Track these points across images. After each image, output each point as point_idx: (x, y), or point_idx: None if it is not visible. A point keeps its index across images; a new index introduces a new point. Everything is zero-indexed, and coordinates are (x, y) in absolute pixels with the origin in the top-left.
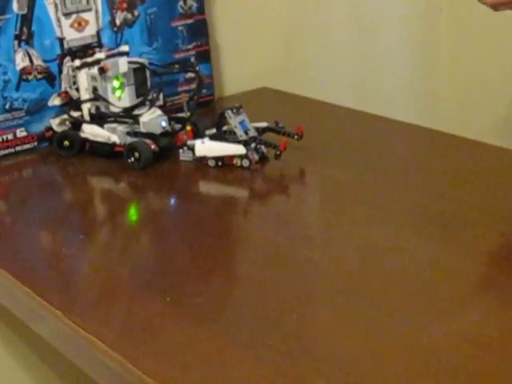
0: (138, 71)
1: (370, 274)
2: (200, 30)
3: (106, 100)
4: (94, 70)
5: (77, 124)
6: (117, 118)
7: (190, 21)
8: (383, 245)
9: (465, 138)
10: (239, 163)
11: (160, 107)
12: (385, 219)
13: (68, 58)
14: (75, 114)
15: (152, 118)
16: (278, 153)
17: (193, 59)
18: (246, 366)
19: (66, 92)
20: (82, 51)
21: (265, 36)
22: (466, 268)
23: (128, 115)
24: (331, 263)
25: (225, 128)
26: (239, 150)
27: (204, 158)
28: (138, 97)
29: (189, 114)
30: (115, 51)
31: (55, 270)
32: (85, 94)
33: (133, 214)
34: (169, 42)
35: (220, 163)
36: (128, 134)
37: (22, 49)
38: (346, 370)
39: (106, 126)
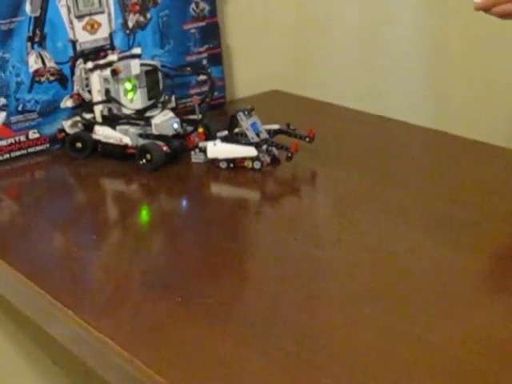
0: (151, 73)
1: (381, 275)
2: (212, 32)
3: (118, 102)
4: (107, 72)
5: (89, 126)
6: (129, 119)
7: (201, 24)
8: (394, 246)
9: (476, 140)
10: (251, 165)
11: (172, 109)
12: (395, 221)
13: (80, 60)
14: (87, 115)
15: (164, 120)
16: (289, 155)
17: (205, 62)
18: (256, 366)
19: (79, 94)
20: (95, 53)
21: (276, 39)
22: (476, 270)
23: (140, 117)
24: (342, 265)
25: (236, 130)
26: (251, 152)
27: (216, 160)
28: (150, 99)
29: (200, 116)
30: (128, 53)
31: (67, 270)
32: (97, 96)
33: (144, 215)
34: (181, 45)
35: (231, 165)
36: (140, 135)
37: (35, 51)
38: (356, 371)
39: (118, 127)
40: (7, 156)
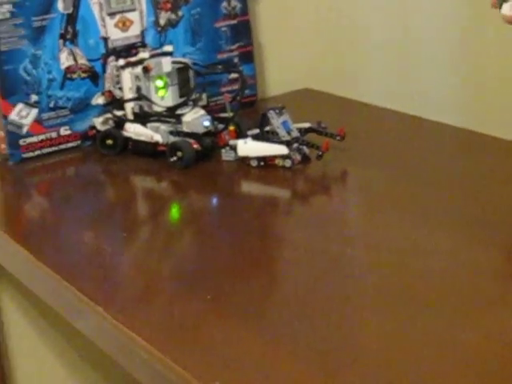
0: (182, 71)
1: (410, 275)
2: (243, 30)
3: (149, 99)
4: (138, 70)
5: (120, 123)
6: (160, 117)
7: (233, 21)
8: (423, 246)
9: (505, 139)
10: (281, 163)
11: (203, 107)
12: (425, 221)
13: (112, 58)
14: (118, 113)
15: (195, 118)
16: (320, 153)
17: (236, 60)
18: (286, 364)
19: (110, 91)
20: (126, 51)
21: (307, 37)
22: (503, 270)
23: (171, 115)
24: (371, 263)
25: (267, 128)
26: (281, 150)
27: (246, 158)
28: (181, 96)
29: (231, 114)
30: (159, 51)
31: (97, 266)
32: (128, 94)
33: (174, 212)
34: (212, 43)
35: (262, 163)
36: (171, 133)
37: (67, 48)
38: (385, 370)
39: (148, 125)
40: (38, 152)
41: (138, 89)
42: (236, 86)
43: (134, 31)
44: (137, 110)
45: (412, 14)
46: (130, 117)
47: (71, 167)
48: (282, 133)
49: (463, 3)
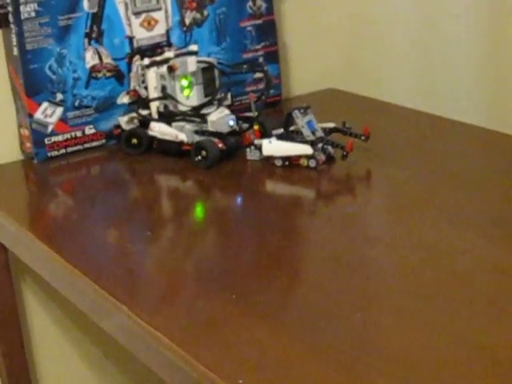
0: (207, 71)
1: (434, 275)
2: (268, 30)
3: (174, 99)
4: (163, 69)
5: (145, 122)
6: (185, 116)
7: (258, 21)
8: (447, 247)
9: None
10: (306, 163)
11: (227, 107)
12: (449, 221)
13: (137, 57)
14: (144, 112)
15: (220, 117)
16: (344, 153)
17: (261, 59)
18: (309, 363)
19: (135, 90)
20: (151, 50)
21: (332, 37)
22: None
23: (196, 114)
24: (395, 264)
25: (292, 128)
26: (306, 150)
27: (271, 158)
28: (206, 96)
29: (256, 113)
30: (184, 50)
31: (122, 265)
32: (153, 93)
33: (199, 211)
34: (237, 42)
35: (287, 163)
36: (196, 132)
37: (92, 47)
38: (407, 370)
39: (173, 124)
40: (63, 151)
41: (163, 88)
42: (261, 86)
43: (160, 30)
44: (162, 109)
45: (435, 10)
46: (155, 116)
47: (96, 166)
48: (307, 132)
49: (489, 2)
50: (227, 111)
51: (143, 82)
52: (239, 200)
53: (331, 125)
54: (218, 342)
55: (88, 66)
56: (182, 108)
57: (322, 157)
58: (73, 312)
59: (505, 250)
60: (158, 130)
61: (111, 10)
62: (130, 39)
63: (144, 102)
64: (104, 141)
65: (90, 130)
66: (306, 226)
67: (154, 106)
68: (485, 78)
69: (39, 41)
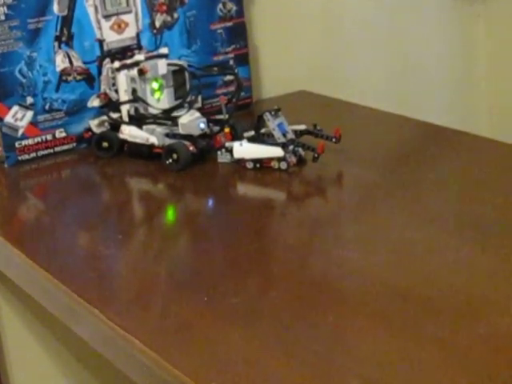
0: (177, 73)
1: (407, 276)
2: (239, 32)
3: (144, 101)
4: (134, 72)
5: (116, 125)
6: (155, 119)
7: (229, 24)
8: (420, 247)
9: (502, 142)
10: (277, 165)
11: (198, 109)
12: (422, 222)
13: (108, 60)
14: (114, 115)
15: (191, 120)
16: (315, 155)
17: (231, 62)
18: (281, 366)
19: (106, 93)
20: (122, 53)
21: (303, 39)
22: (503, 271)
23: (167, 117)
24: (367, 265)
25: (263, 130)
26: (277, 152)
27: (242, 160)
28: (176, 99)
29: (227, 116)
30: (155, 53)
31: (93, 269)
32: (124, 96)
33: (170, 215)
34: (208, 45)
35: (258, 165)
36: (166, 135)
37: (62, 50)
38: (380, 372)
39: (144, 127)
40: (34, 155)
41: (134, 91)
42: (231, 88)
43: (130, 33)
44: (132, 112)
45: (407, 17)
46: (126, 119)
47: (67, 169)
48: (278, 135)
49: (456, 10)
50: (198, 114)
51: (114, 84)
52: (211, 203)
53: (302, 127)
54: (191, 345)
55: (58, 69)
56: (152, 111)
57: (293, 159)
58: (45, 316)
59: (478, 250)
60: (129, 133)
61: (81, 13)
62: (100, 42)
63: (115, 105)
64: (75, 144)
65: (60, 134)
66: (278, 228)
67: (124, 109)
68: (455, 78)
69: (9, 44)
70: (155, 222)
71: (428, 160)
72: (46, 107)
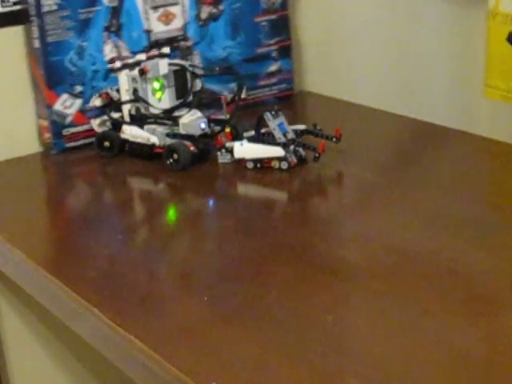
0: (179, 73)
1: (406, 276)
2: (282, 25)
3: (146, 101)
4: (135, 72)
5: (117, 125)
6: (157, 119)
7: (273, 16)
8: (419, 247)
9: (502, 141)
10: (278, 165)
11: (243, 100)
12: (421, 222)
13: (154, 50)
14: (115, 114)
15: (192, 120)
16: (316, 155)
17: (274, 54)
18: (282, 366)
19: (107, 93)
20: (168, 44)
21: (302, 39)
22: (502, 271)
23: (168, 117)
24: (368, 265)
25: (263, 130)
26: (278, 152)
27: (242, 160)
28: (178, 99)
29: (228, 116)
30: (156, 53)
31: (94, 268)
32: (125, 96)
33: (171, 214)
34: (252, 37)
35: (258, 165)
36: (167, 135)
37: (111, 40)
38: (381, 371)
39: (145, 127)
40: (81, 142)
41: (135, 91)
42: (274, 79)
43: (176, 24)
44: (134, 112)
45: (409, 15)
46: (127, 119)
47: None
48: (278, 135)
49: (458, 10)
50: (199, 114)
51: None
52: (211, 203)
53: (302, 127)
54: (191, 345)
55: (107, 58)
56: (153, 111)
57: (294, 159)
58: (45, 315)
59: (477, 250)
60: (130, 132)
61: (130, 4)
62: (148, 33)
63: (116, 105)
64: None
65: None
66: (278, 228)
67: (125, 108)
68: (455, 78)
69: (60, 33)
70: (156, 222)
71: (428, 160)
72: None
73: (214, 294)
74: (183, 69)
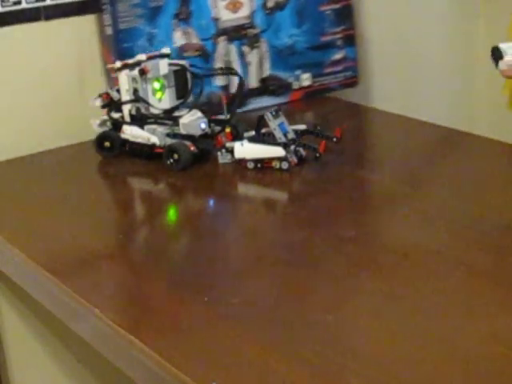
0: (179, 73)
1: (407, 275)
2: (346, 14)
3: (146, 101)
4: (135, 72)
5: (117, 125)
6: (157, 119)
7: (337, 5)
8: (420, 247)
9: (502, 141)
10: (278, 166)
11: (308, 87)
12: (422, 222)
13: (222, 37)
14: (116, 115)
15: (192, 120)
16: (317, 155)
17: (339, 42)
18: (283, 365)
19: (107, 93)
20: (235, 31)
21: None
22: (503, 272)
23: (168, 117)
24: (368, 264)
25: (263, 130)
26: (278, 152)
27: (243, 160)
28: (178, 99)
29: (228, 116)
30: (156, 53)
31: (93, 268)
32: (125, 96)
33: (171, 214)
34: (317, 26)
35: (259, 165)
36: (168, 135)
37: (181, 27)
38: (381, 371)
39: (146, 127)
40: None
41: (135, 91)
42: (339, 68)
43: (244, 13)
44: (134, 112)
45: (409, 17)
46: (127, 119)
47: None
48: (279, 135)
49: (457, 9)
50: (199, 114)
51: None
52: (212, 203)
53: (303, 127)
54: (191, 344)
55: (176, 45)
56: (154, 111)
57: (295, 159)
58: (45, 316)
59: (479, 251)
60: (130, 132)
61: None
62: (216, 21)
63: (116, 105)
64: None
65: None
66: (279, 228)
67: (126, 108)
68: (456, 78)
69: (131, 21)
70: (156, 222)
71: (428, 160)
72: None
73: (214, 295)
74: (183, 69)
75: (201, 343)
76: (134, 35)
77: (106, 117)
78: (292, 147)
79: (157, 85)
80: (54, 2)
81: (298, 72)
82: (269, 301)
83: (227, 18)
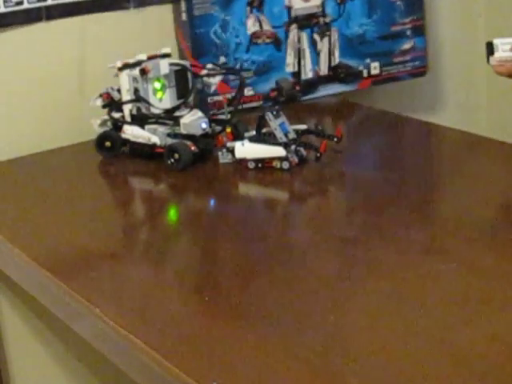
0: (180, 73)
1: (408, 275)
2: (416, 4)
3: (147, 101)
4: (136, 72)
5: (118, 125)
6: (157, 119)
7: None
8: (422, 247)
9: (503, 141)
10: (279, 165)
11: (377, 76)
12: (424, 222)
13: (294, 25)
14: (116, 115)
15: (192, 120)
16: (318, 155)
17: (409, 32)
18: (284, 365)
19: (108, 93)
20: (307, 20)
21: None
22: (505, 271)
23: (169, 117)
24: (369, 265)
25: (264, 130)
26: (279, 152)
27: (244, 160)
28: (179, 98)
29: (229, 116)
30: (157, 53)
31: (94, 268)
32: (126, 96)
33: (172, 214)
34: (387, 15)
35: (260, 165)
36: (168, 135)
37: (254, 14)
38: (380, 370)
39: (146, 127)
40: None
41: (136, 91)
42: (408, 57)
43: (315, 2)
44: (135, 111)
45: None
46: (128, 119)
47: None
48: (280, 134)
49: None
50: (200, 114)
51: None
52: (212, 203)
53: (303, 126)
54: (192, 344)
55: (249, 32)
56: (154, 111)
57: (295, 159)
58: (46, 315)
59: (480, 250)
60: (131, 132)
61: None
62: (288, 9)
63: (117, 105)
64: (261, 102)
65: (248, 92)
66: (280, 228)
67: (126, 108)
68: (456, 78)
69: (206, 7)
70: (157, 222)
71: (429, 160)
72: (237, 67)
73: (215, 294)
74: (184, 69)
75: (202, 343)
76: (208, 21)
77: (106, 117)
78: (293, 147)
79: (157, 85)
80: (55, 2)
81: (367, 61)
82: (270, 301)
83: (299, 6)
